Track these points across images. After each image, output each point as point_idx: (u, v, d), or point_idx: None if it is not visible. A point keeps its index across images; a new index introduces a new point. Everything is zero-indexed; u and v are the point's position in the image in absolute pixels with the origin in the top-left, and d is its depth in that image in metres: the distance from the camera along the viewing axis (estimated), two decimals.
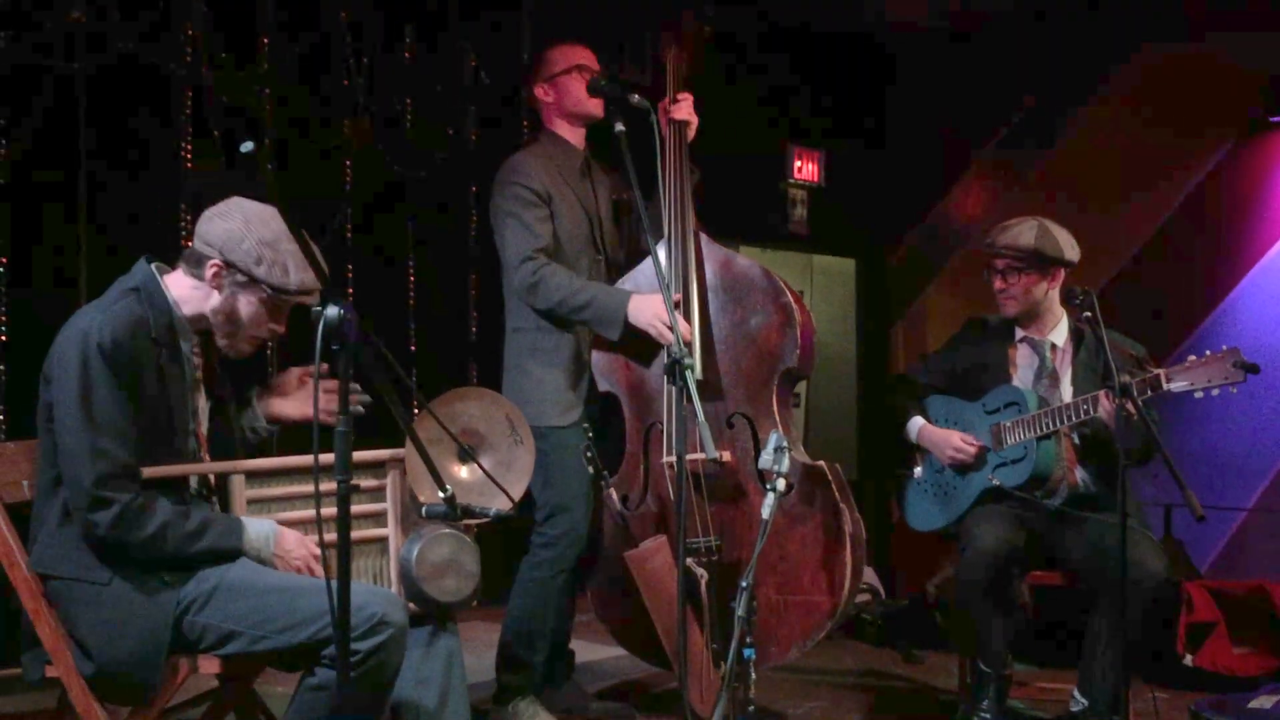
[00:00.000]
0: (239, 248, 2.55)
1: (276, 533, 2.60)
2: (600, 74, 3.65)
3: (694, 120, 3.67)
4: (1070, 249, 3.64)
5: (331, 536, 2.19)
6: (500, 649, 3.62)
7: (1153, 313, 5.37)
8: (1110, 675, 3.40)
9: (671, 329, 3.27)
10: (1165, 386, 3.29)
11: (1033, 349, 3.72)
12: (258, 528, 2.59)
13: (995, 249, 3.67)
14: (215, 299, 2.60)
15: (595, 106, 3.66)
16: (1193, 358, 3.30)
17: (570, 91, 3.66)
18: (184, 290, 2.62)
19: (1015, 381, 3.68)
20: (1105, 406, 3.37)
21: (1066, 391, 3.63)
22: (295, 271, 2.57)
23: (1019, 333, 3.74)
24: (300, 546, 2.62)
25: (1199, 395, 3.31)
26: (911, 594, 5.22)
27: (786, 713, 3.96)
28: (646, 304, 3.46)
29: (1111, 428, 3.34)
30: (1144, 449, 3.44)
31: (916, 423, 3.75)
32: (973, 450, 3.61)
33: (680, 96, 3.65)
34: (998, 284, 3.68)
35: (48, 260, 4.10)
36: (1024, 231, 3.63)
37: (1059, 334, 3.71)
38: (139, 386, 2.51)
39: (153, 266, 2.63)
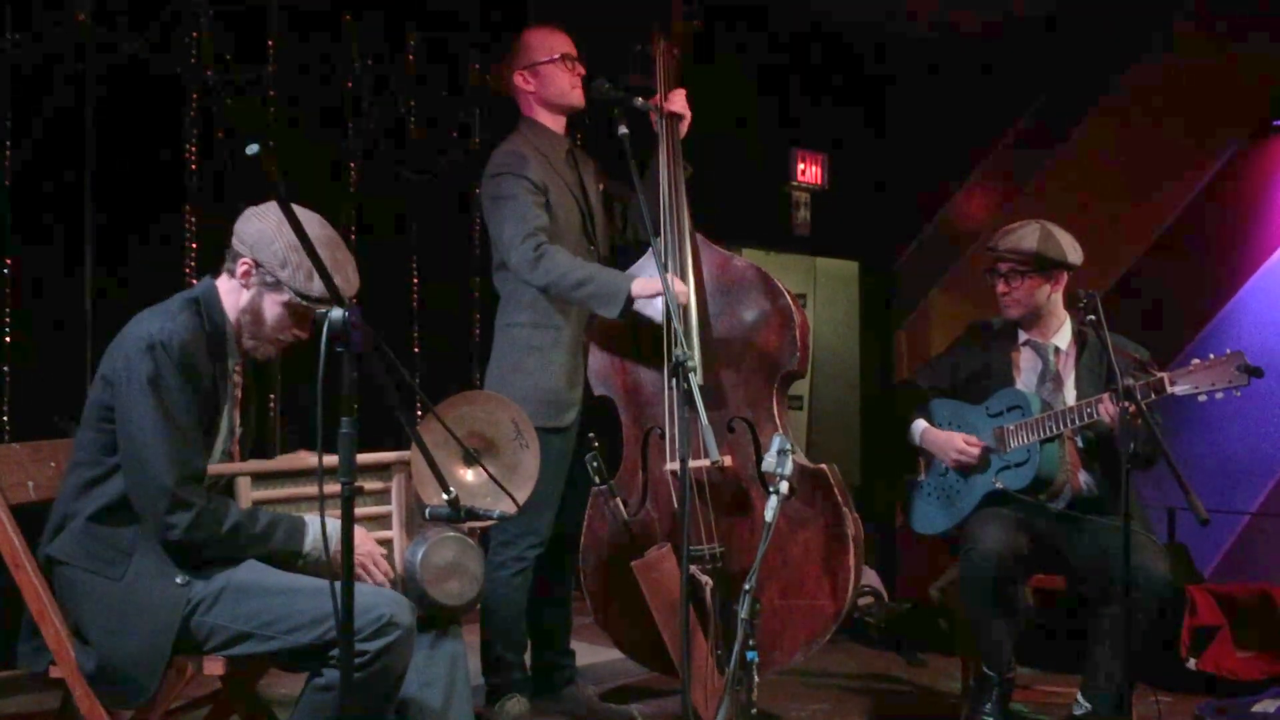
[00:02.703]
0: (269, 248, 2.56)
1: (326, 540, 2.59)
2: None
3: (688, 114, 3.64)
4: (1073, 252, 3.64)
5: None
6: (481, 653, 3.61)
7: (1157, 316, 5.37)
8: (1113, 679, 3.40)
9: (674, 316, 3.25)
10: (1169, 390, 3.30)
11: (1036, 352, 3.72)
12: (316, 529, 2.58)
13: (997, 253, 3.67)
14: (245, 297, 2.63)
15: (578, 98, 3.63)
16: (1196, 361, 3.30)
17: (555, 82, 3.62)
18: (228, 293, 2.65)
19: (1019, 385, 3.68)
20: (1108, 409, 3.37)
21: (1070, 395, 3.63)
22: (320, 278, 2.56)
23: (1022, 336, 3.74)
24: (363, 544, 2.63)
25: (1202, 399, 3.31)
26: (914, 597, 5.22)
27: (789, 715, 3.96)
28: (652, 281, 3.42)
29: (1115, 431, 3.34)
30: (1148, 453, 3.43)
31: (919, 426, 3.75)
32: (975, 451, 3.61)
33: (671, 93, 3.62)
34: (1000, 287, 3.68)
35: (52, 262, 4.10)
36: (1026, 235, 3.63)
37: (1062, 337, 3.71)
38: (200, 394, 2.55)
39: (215, 282, 2.66)
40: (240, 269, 2.61)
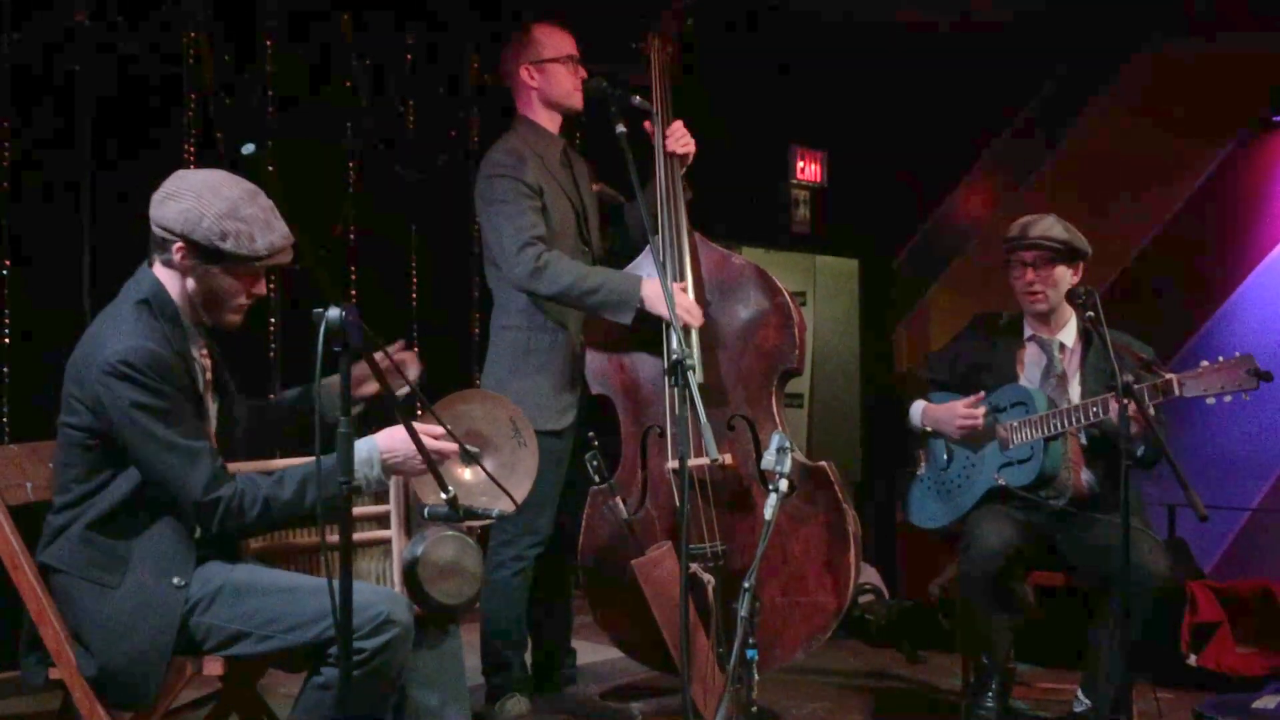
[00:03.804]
0: (199, 226, 2.50)
1: (377, 447, 2.54)
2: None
3: (691, 149, 3.60)
4: (1087, 244, 3.64)
5: (334, 538, 2.20)
6: (481, 652, 3.61)
7: (1157, 312, 5.37)
8: (1113, 676, 3.40)
9: (679, 325, 3.26)
10: (1177, 392, 3.28)
11: (1041, 348, 3.70)
12: (359, 450, 2.51)
13: (1029, 240, 3.61)
14: (191, 282, 2.57)
15: (578, 100, 3.63)
16: (1205, 364, 3.28)
17: (559, 82, 3.61)
18: (169, 281, 2.59)
19: (1022, 380, 3.66)
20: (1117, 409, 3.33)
21: (1074, 392, 3.62)
22: (261, 236, 2.52)
23: (1028, 330, 3.72)
24: (406, 444, 2.52)
25: (1211, 401, 3.29)
26: (915, 595, 5.22)
27: (789, 713, 3.96)
28: (660, 289, 3.41)
29: (1126, 430, 3.31)
30: (1153, 452, 3.41)
31: (918, 406, 3.72)
32: (980, 414, 3.58)
33: (670, 129, 3.57)
34: (1028, 277, 3.62)
35: (51, 263, 4.10)
36: (1053, 223, 3.61)
37: (1068, 334, 3.69)
38: (181, 393, 2.51)
39: (155, 271, 2.60)
40: (176, 256, 2.54)
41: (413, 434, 2.45)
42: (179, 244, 2.53)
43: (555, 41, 3.64)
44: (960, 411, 3.61)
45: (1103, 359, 3.56)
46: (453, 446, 2.61)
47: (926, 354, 3.96)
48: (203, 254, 2.53)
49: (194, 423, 2.52)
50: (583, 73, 3.65)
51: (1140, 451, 3.35)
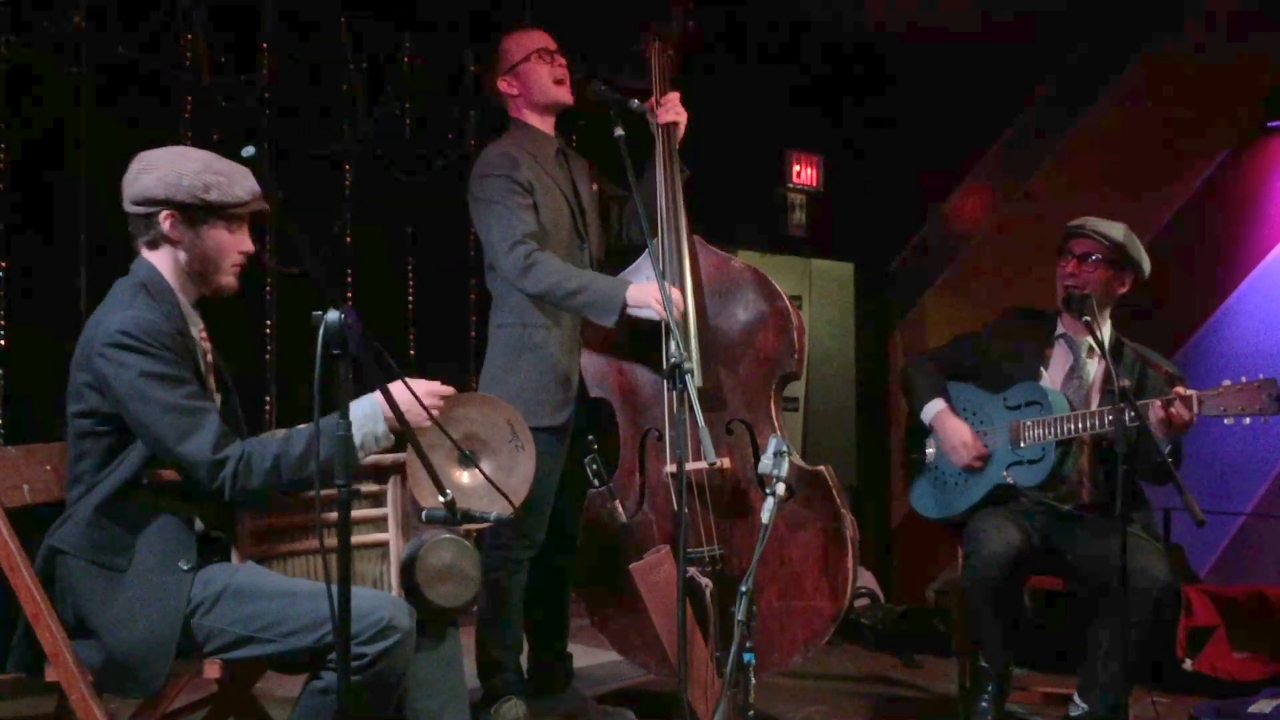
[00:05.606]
0: (181, 186, 2.53)
1: (377, 402, 2.52)
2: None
3: (682, 118, 3.62)
4: (1146, 261, 3.63)
5: (332, 541, 2.20)
6: (477, 655, 3.60)
7: (1152, 315, 5.37)
8: (1111, 680, 3.40)
9: (672, 327, 3.25)
10: (1196, 410, 3.27)
11: (1069, 348, 3.69)
12: (359, 409, 2.51)
13: (1083, 231, 3.62)
14: (182, 253, 2.59)
15: (562, 93, 3.62)
16: (1227, 383, 3.27)
17: (535, 79, 3.60)
18: (161, 262, 2.60)
19: (1045, 377, 3.65)
20: (1157, 413, 3.31)
21: (1094, 398, 3.62)
22: (239, 183, 2.56)
23: (1059, 329, 3.71)
24: (403, 393, 2.50)
25: (1229, 422, 3.28)
26: (911, 599, 5.23)
27: (786, 717, 3.96)
28: (647, 289, 3.42)
29: (1160, 435, 3.31)
30: (1162, 465, 3.36)
31: (935, 405, 3.70)
32: (970, 456, 3.60)
33: (664, 99, 3.61)
34: (1070, 268, 3.61)
35: (48, 265, 4.09)
36: (1114, 225, 3.61)
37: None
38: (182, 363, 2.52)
39: (145, 256, 2.61)
40: (164, 226, 2.56)
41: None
42: (165, 212, 2.55)
43: (522, 43, 3.63)
44: (965, 439, 3.61)
45: (1130, 371, 3.56)
46: (449, 390, 2.64)
47: (955, 336, 3.93)
48: (190, 213, 2.55)
49: (197, 388, 2.52)
50: (560, 61, 3.64)
51: (1158, 459, 3.33)
